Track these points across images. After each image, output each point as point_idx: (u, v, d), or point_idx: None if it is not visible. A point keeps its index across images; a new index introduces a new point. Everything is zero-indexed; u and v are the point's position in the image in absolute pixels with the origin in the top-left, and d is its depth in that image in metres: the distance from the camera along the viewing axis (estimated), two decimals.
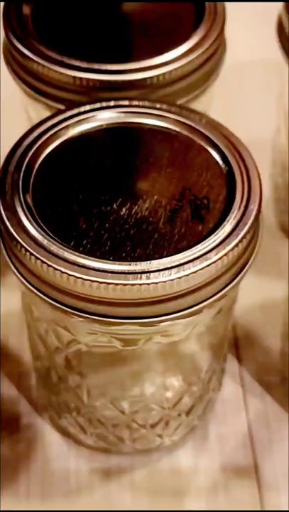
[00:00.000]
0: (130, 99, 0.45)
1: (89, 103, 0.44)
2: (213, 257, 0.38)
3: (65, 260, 0.37)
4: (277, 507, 0.47)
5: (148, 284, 0.37)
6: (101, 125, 0.44)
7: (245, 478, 0.48)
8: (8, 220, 0.39)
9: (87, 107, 0.44)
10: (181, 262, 0.38)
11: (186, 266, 0.37)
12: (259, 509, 0.47)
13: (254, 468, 0.49)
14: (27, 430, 0.50)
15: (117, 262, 0.38)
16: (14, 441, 0.49)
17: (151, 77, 0.47)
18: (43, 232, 0.38)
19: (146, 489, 0.48)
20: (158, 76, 0.47)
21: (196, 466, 0.49)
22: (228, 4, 0.51)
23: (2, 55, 0.51)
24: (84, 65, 0.47)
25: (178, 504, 0.47)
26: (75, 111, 0.44)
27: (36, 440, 0.49)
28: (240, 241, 0.39)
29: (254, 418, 0.51)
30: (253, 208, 0.40)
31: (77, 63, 0.47)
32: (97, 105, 0.44)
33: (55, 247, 0.38)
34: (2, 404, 0.51)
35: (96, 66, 0.47)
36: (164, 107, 0.44)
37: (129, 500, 0.48)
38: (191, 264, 0.38)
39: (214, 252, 0.38)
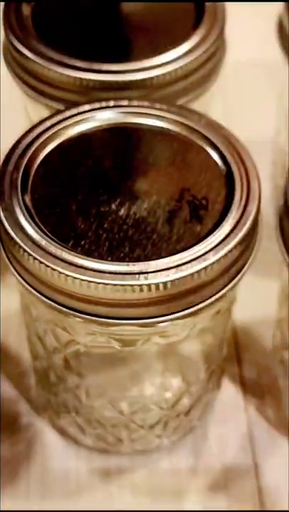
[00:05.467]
0: (130, 99, 0.45)
1: (88, 103, 0.44)
2: (212, 257, 0.38)
3: (63, 260, 0.37)
4: (277, 507, 0.47)
5: (146, 284, 0.37)
6: (100, 125, 0.44)
7: (245, 478, 0.48)
8: (7, 220, 0.39)
9: (87, 107, 0.44)
10: (180, 262, 0.38)
11: (184, 267, 0.37)
12: (259, 509, 0.47)
13: (254, 468, 0.48)
14: (26, 430, 0.50)
15: (115, 263, 0.38)
16: (14, 442, 0.49)
17: (151, 78, 0.47)
18: (41, 233, 0.38)
19: (146, 489, 0.48)
20: (158, 76, 0.47)
21: (196, 466, 0.49)
22: (228, 4, 0.51)
23: (2, 55, 0.51)
24: (84, 65, 0.47)
25: (178, 504, 0.47)
26: (74, 111, 0.44)
27: (35, 440, 0.49)
28: (239, 242, 0.38)
29: (254, 418, 0.51)
30: (252, 208, 0.40)
31: (77, 63, 0.47)
32: (97, 105, 0.44)
33: (53, 248, 0.38)
34: (1, 404, 0.51)
35: (96, 66, 0.47)
36: (164, 107, 0.44)
37: (129, 500, 0.48)
38: (189, 264, 0.38)
39: (213, 252, 0.38)
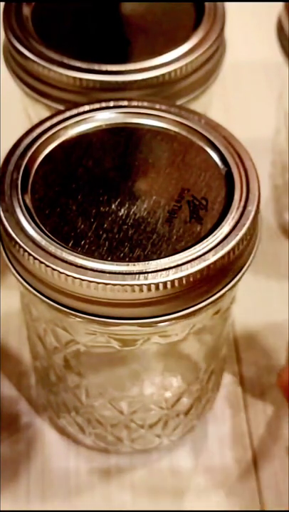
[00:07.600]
0: (129, 99, 0.45)
1: (88, 103, 0.44)
2: (211, 257, 0.38)
3: (64, 261, 0.38)
4: (277, 507, 0.47)
5: (146, 284, 0.37)
6: (100, 126, 0.44)
7: (245, 478, 0.48)
8: (7, 221, 0.39)
9: (87, 108, 0.44)
10: (179, 262, 0.38)
11: (184, 267, 0.37)
12: (259, 509, 0.47)
13: (254, 469, 0.49)
14: (26, 430, 0.50)
15: (115, 263, 0.38)
16: (14, 441, 0.49)
17: (151, 78, 0.47)
18: (41, 233, 0.38)
19: (146, 489, 0.48)
20: (158, 77, 0.47)
21: (196, 466, 0.49)
22: (228, 4, 0.51)
23: (2, 56, 0.52)
24: (84, 65, 0.47)
25: (177, 504, 0.48)
26: (74, 111, 0.44)
27: (36, 440, 0.49)
28: (239, 242, 0.39)
29: (254, 418, 0.51)
30: (252, 208, 0.40)
31: (77, 64, 0.47)
32: (97, 106, 0.44)
33: (53, 248, 0.38)
34: (2, 404, 0.51)
35: (96, 67, 0.47)
36: (163, 107, 0.44)
37: (128, 500, 0.48)
38: (189, 264, 0.38)
39: (212, 252, 0.38)
